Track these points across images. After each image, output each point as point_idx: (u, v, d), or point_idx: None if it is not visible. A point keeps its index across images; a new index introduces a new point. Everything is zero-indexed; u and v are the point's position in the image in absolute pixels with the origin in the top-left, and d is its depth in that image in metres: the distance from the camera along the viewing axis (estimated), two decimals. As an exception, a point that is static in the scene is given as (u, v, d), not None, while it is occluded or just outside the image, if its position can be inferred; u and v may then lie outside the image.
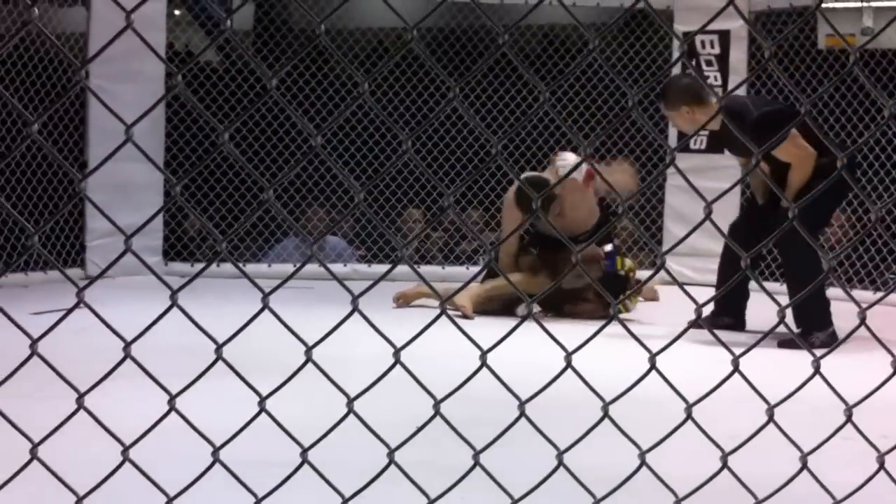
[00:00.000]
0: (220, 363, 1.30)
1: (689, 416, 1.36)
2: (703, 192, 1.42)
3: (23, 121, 1.20)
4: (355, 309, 1.24)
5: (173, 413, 1.30)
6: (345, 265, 6.36)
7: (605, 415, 1.31)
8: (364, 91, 1.24)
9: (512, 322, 1.38)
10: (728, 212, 6.39)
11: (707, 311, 4.13)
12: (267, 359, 2.46)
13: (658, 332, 3.97)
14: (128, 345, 1.25)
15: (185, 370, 1.38)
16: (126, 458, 1.29)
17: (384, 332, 1.33)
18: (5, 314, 1.26)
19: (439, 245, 7.11)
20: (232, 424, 1.37)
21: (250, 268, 5.96)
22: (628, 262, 5.16)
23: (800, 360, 1.67)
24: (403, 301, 5.10)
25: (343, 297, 1.28)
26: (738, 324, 4.58)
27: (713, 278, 6.28)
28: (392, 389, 1.41)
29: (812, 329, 4.18)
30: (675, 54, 6.59)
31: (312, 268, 1.43)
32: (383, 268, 6.32)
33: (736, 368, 1.37)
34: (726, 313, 4.57)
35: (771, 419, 1.40)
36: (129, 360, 1.26)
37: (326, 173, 6.46)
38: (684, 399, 1.36)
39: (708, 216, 1.32)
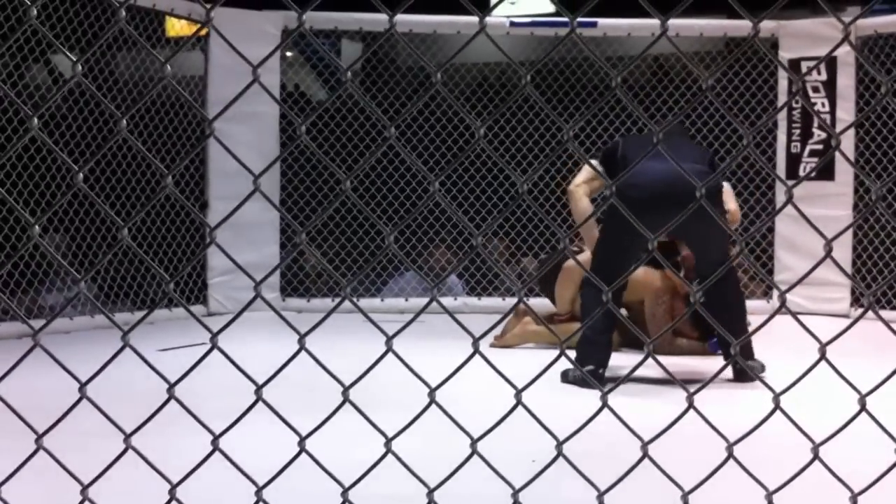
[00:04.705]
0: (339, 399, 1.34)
1: (815, 457, 1.34)
2: (814, 221, 1.44)
3: (160, 173, 1.27)
4: (476, 351, 1.27)
5: (299, 450, 1.34)
6: (455, 299, 6.38)
7: (730, 455, 1.30)
8: (479, 136, 1.27)
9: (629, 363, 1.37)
10: (842, 241, 6.23)
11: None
12: (384, 394, 2.50)
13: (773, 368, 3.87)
14: (259, 388, 1.30)
15: (310, 406, 1.43)
16: (260, 498, 1.34)
17: (500, 371, 1.35)
18: (138, 354, 1.32)
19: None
20: (354, 461, 1.40)
21: (364, 302, 6.05)
22: None
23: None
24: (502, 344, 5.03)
25: (454, 330, 1.32)
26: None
27: (827, 307, 6.13)
28: (504, 426, 1.42)
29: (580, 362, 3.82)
30: (781, 81, 6.48)
31: (425, 301, 1.46)
32: (493, 301, 6.32)
33: (863, 407, 1.34)
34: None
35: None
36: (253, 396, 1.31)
37: (441, 215, 6.48)
38: (811, 439, 1.34)
39: (828, 254, 1.31)
